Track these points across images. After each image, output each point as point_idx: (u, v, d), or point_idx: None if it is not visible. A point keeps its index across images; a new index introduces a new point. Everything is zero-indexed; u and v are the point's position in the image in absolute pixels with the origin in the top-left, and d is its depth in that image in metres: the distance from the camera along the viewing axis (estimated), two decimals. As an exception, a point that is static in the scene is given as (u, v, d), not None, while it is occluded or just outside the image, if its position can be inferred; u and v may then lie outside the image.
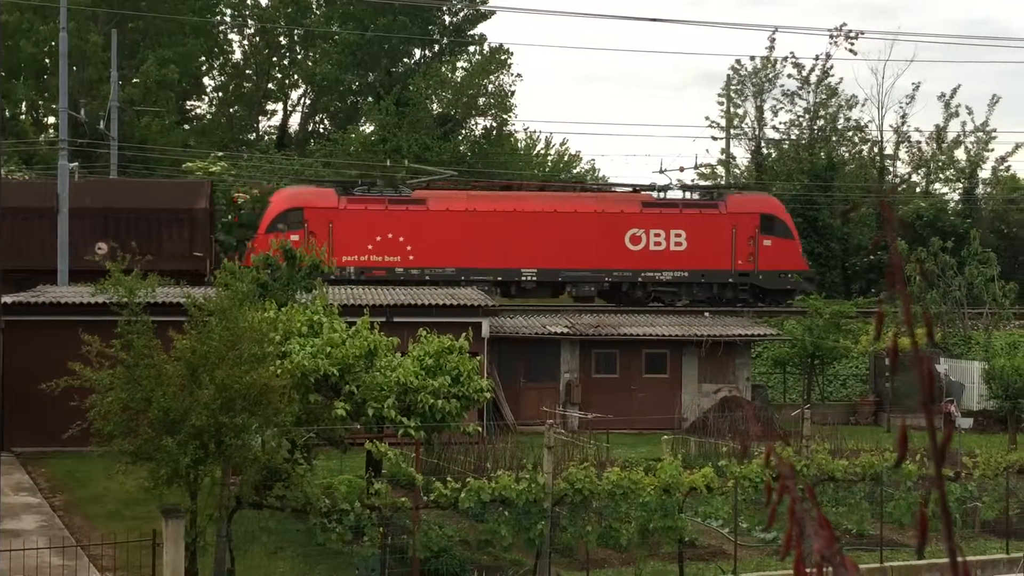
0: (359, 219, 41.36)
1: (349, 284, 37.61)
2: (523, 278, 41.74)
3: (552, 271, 41.80)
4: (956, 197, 59.57)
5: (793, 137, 63.24)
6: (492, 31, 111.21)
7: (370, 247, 41.39)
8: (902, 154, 63.63)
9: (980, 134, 61.53)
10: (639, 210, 42.86)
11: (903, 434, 1.98)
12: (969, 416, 34.69)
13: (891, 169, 63.60)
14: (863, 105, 64.41)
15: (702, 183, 59.37)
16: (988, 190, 61.29)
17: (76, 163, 52.46)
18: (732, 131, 63.81)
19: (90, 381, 18.19)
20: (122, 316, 18.79)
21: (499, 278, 41.70)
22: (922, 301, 38.72)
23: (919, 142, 62.65)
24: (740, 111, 63.98)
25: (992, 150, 62.02)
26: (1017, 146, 62.05)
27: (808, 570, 1.96)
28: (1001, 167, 62.30)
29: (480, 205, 41.63)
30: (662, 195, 44.61)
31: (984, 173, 62.38)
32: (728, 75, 64.06)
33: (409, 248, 41.45)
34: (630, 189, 45.98)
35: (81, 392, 18.77)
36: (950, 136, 62.13)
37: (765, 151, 64.26)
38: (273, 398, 17.64)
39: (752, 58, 63.17)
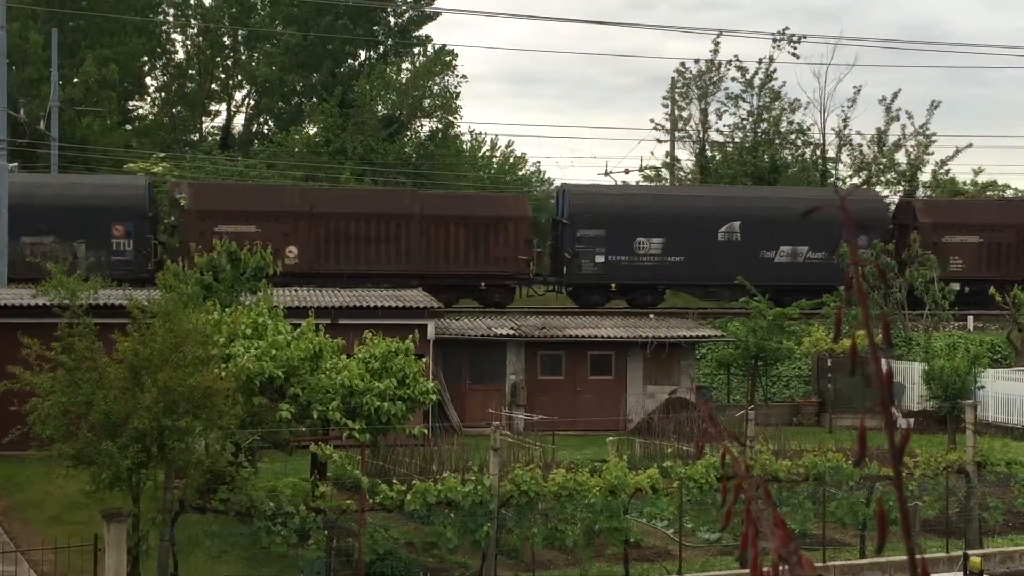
0: None
1: None
2: None
3: None
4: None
5: (737, 140, 63.72)
6: (436, 33, 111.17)
7: None
8: (844, 157, 64.35)
9: (920, 138, 62.34)
10: None
11: (862, 435, 1.99)
12: (909, 416, 35.09)
13: (833, 172, 64.25)
14: (806, 108, 65.05)
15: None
16: (928, 193, 62.07)
17: (15, 164, 51.79)
18: (677, 134, 64.18)
19: (30, 384, 17.95)
20: (63, 318, 18.58)
21: None
22: (865, 303, 39.10)
23: (860, 145, 63.39)
24: (685, 114, 64.42)
25: (932, 153, 62.89)
26: (957, 150, 62.80)
27: (764, 569, 1.97)
28: (941, 170, 63.17)
29: None
30: None
31: (924, 176, 63.24)
32: (673, 78, 64.46)
33: None
34: None
35: (21, 396, 18.52)
36: (891, 139, 62.89)
37: (709, 154, 64.68)
38: (217, 401, 17.51)
39: (696, 61, 63.65)
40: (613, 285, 42.99)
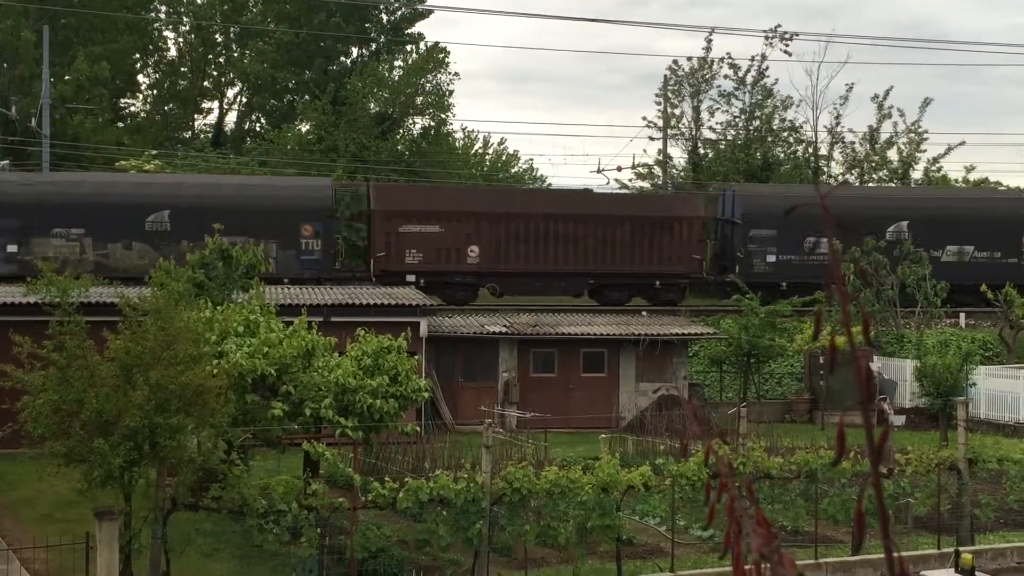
0: None
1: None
2: None
3: None
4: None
5: (729, 137, 63.74)
6: (429, 30, 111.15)
7: None
8: (836, 154, 64.43)
9: (912, 135, 62.43)
10: None
11: (841, 433, 2.00)
12: (901, 413, 35.14)
13: (825, 169, 64.33)
14: (798, 106, 65.12)
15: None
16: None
17: (6, 161, 51.71)
18: (669, 131, 64.20)
19: (22, 382, 17.92)
20: (54, 317, 18.55)
21: None
22: (856, 300, 39.16)
23: (853, 143, 63.47)
24: (677, 111, 64.41)
25: (924, 151, 62.98)
26: (949, 147, 62.98)
27: (747, 567, 1.97)
28: (933, 168, 63.26)
29: None
30: None
31: (916, 174, 63.29)
32: (665, 75, 64.48)
33: None
34: None
35: (12, 394, 18.49)
36: (883, 137, 62.98)
37: (702, 151, 64.72)
38: (209, 398, 17.49)
39: (689, 59, 63.69)
40: (783, 284, 43.44)
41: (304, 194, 42.90)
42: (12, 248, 39.41)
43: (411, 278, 41.02)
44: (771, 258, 44.57)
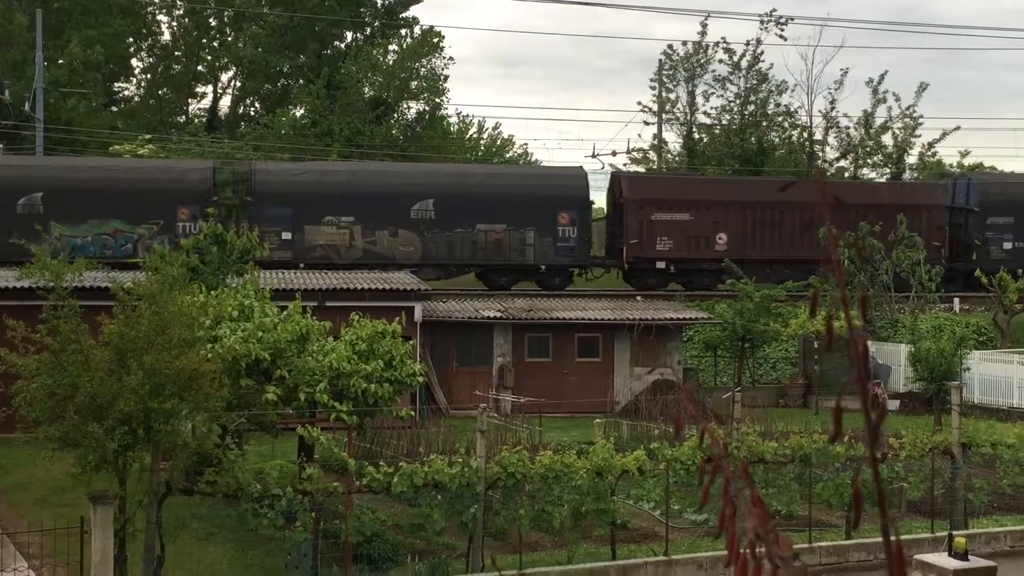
0: None
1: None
2: None
3: None
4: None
5: (724, 122, 63.68)
6: (423, 14, 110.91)
7: None
8: (831, 139, 64.40)
9: (907, 120, 62.40)
10: None
11: (838, 411, 1.99)
12: (895, 398, 35.21)
13: (820, 154, 64.30)
14: (793, 91, 65.14)
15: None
16: (915, 175, 62.20)
17: (0, 145, 51.55)
18: (664, 116, 64.14)
19: (15, 366, 17.88)
20: (48, 301, 18.50)
21: None
22: (851, 284, 39.19)
23: (847, 127, 63.44)
24: (672, 96, 64.34)
25: (919, 136, 62.98)
26: (944, 132, 62.88)
27: (741, 549, 1.96)
28: (928, 153, 63.24)
29: None
30: None
31: (911, 159, 63.31)
32: (660, 60, 64.39)
33: None
34: None
35: (6, 378, 18.46)
36: (878, 122, 62.93)
37: (697, 136, 64.66)
38: (203, 383, 17.45)
39: (684, 43, 63.59)
40: (1021, 271, 43.68)
41: (561, 183, 43.92)
42: (286, 235, 40.79)
43: (661, 264, 42.84)
44: (1007, 245, 45.45)
